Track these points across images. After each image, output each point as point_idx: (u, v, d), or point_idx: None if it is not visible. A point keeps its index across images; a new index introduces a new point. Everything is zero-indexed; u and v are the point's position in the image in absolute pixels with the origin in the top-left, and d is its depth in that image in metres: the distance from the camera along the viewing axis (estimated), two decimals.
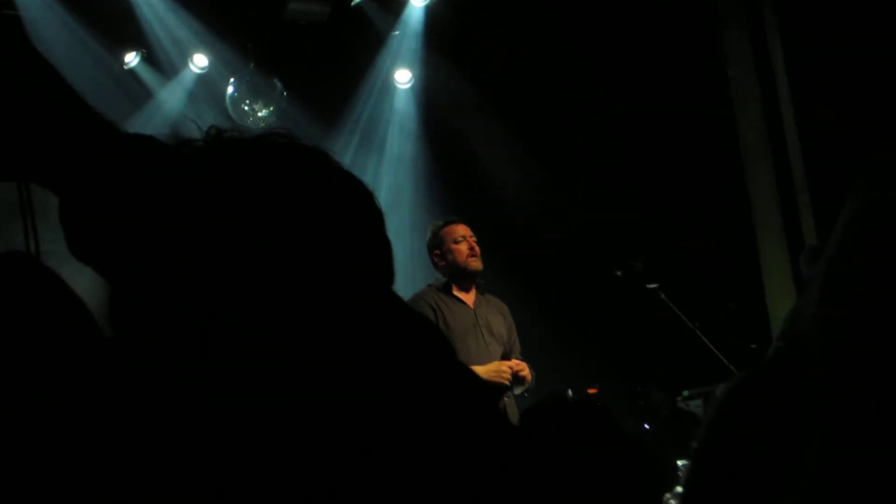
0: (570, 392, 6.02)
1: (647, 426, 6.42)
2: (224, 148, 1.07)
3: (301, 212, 1.04)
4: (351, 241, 1.07)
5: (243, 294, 0.98)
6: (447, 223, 5.01)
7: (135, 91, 6.94)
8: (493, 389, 4.68)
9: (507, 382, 4.75)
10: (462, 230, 4.96)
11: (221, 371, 0.94)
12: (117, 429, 0.93)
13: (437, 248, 4.98)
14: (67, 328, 0.95)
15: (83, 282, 1.06)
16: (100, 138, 1.07)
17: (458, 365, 1.10)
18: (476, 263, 4.93)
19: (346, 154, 7.36)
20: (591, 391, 6.34)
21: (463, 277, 4.96)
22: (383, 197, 7.34)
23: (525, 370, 4.83)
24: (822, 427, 0.87)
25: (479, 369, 4.69)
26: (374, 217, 1.14)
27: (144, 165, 1.04)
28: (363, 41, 7.22)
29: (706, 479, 1.03)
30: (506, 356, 4.93)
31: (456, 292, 4.96)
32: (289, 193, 1.05)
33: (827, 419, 0.87)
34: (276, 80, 7.08)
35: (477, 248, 4.94)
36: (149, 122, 6.79)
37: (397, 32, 7.27)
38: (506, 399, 4.80)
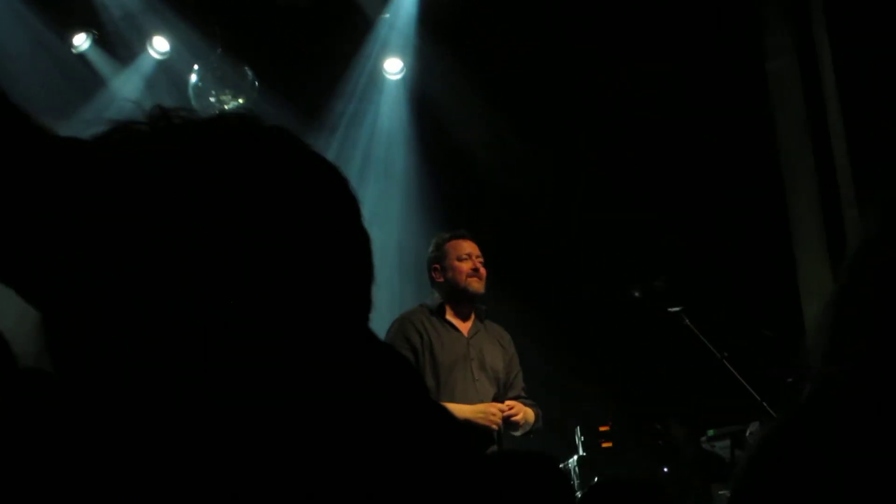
0: (578, 431, 6.02)
1: (665, 469, 6.41)
2: (172, 131, 1.06)
3: (263, 200, 1.03)
4: (322, 235, 1.07)
5: (228, 294, 0.98)
6: (454, 237, 5.02)
7: (84, 78, 6.93)
8: (478, 433, 4.67)
9: (495, 427, 4.75)
10: (469, 247, 4.97)
11: (221, 371, 0.96)
12: (111, 431, 0.94)
13: (439, 262, 4.98)
14: None
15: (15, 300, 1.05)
16: (24, 143, 1.06)
17: (431, 403, 1.11)
18: (477, 285, 4.92)
19: (325, 155, 7.33)
20: (603, 429, 6.34)
21: (460, 300, 4.97)
22: (368, 205, 7.36)
23: (519, 413, 4.82)
24: (838, 429, 0.91)
25: (466, 409, 4.69)
26: (348, 206, 1.13)
27: (73, 166, 1.03)
28: (348, 25, 7.23)
29: None
30: (497, 398, 4.91)
31: (450, 317, 4.96)
32: (248, 180, 1.04)
33: (843, 420, 0.91)
34: (246, 69, 7.08)
35: (482, 270, 4.94)
36: (100, 116, 6.76)
37: (387, 16, 7.28)
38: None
